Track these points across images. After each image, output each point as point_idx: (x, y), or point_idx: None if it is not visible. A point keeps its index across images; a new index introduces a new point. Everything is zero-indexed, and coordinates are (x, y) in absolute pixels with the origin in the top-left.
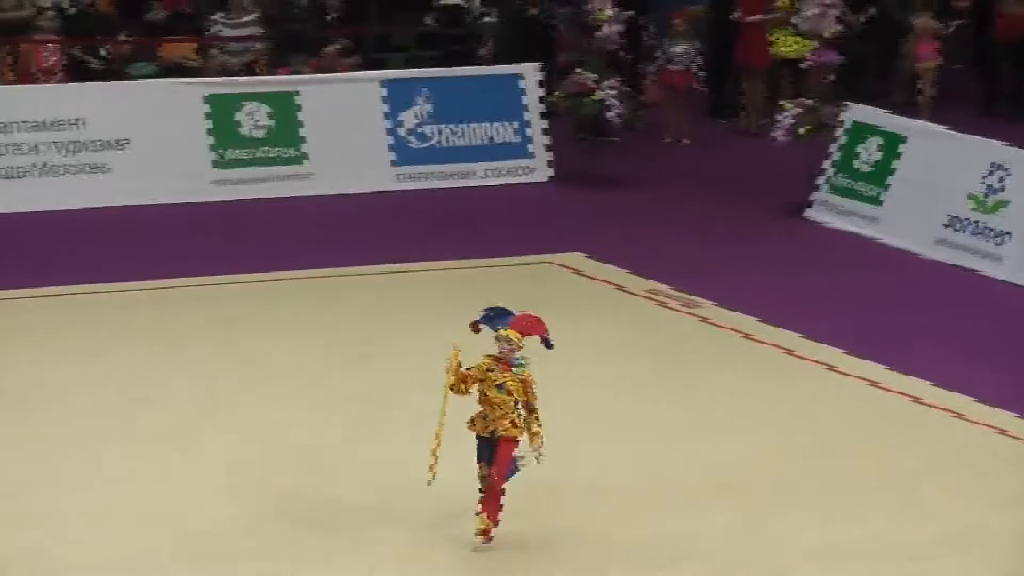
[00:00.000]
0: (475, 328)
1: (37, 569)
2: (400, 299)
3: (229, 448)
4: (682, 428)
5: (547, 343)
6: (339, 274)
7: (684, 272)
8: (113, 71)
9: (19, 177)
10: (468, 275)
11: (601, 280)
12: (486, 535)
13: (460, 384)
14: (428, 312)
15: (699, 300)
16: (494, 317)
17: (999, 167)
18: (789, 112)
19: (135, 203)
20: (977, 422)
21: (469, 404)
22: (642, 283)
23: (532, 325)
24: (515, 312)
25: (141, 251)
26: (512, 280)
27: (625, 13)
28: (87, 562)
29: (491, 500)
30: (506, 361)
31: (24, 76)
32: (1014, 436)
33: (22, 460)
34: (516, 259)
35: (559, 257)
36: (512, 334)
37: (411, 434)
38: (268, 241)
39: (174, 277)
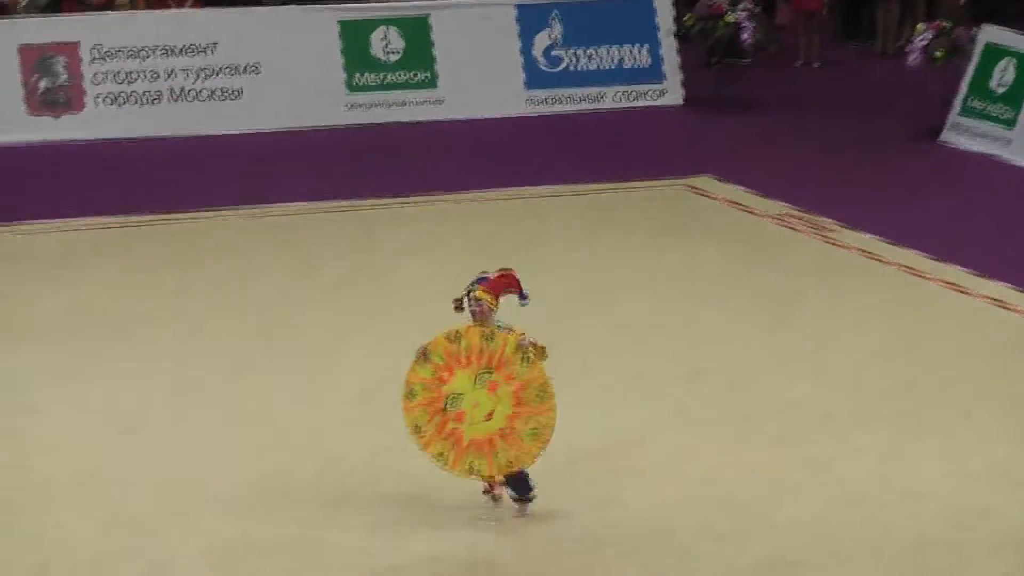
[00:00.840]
0: (458, 307)
1: (180, 493)
2: (533, 223)
3: (367, 372)
4: (816, 353)
5: (522, 297)
6: (472, 198)
7: (816, 195)
8: None
9: (152, 103)
10: (599, 198)
11: (732, 203)
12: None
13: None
14: (559, 236)
15: (831, 223)
16: (471, 287)
17: None
18: (923, 35)
19: (267, 128)
20: None
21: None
22: (773, 206)
23: (500, 282)
24: (489, 275)
25: (273, 176)
26: (643, 203)
27: None
28: (229, 482)
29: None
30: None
31: (157, 2)
32: None
33: (160, 390)
34: (647, 182)
35: (691, 180)
36: (481, 294)
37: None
38: (400, 165)
39: (308, 201)
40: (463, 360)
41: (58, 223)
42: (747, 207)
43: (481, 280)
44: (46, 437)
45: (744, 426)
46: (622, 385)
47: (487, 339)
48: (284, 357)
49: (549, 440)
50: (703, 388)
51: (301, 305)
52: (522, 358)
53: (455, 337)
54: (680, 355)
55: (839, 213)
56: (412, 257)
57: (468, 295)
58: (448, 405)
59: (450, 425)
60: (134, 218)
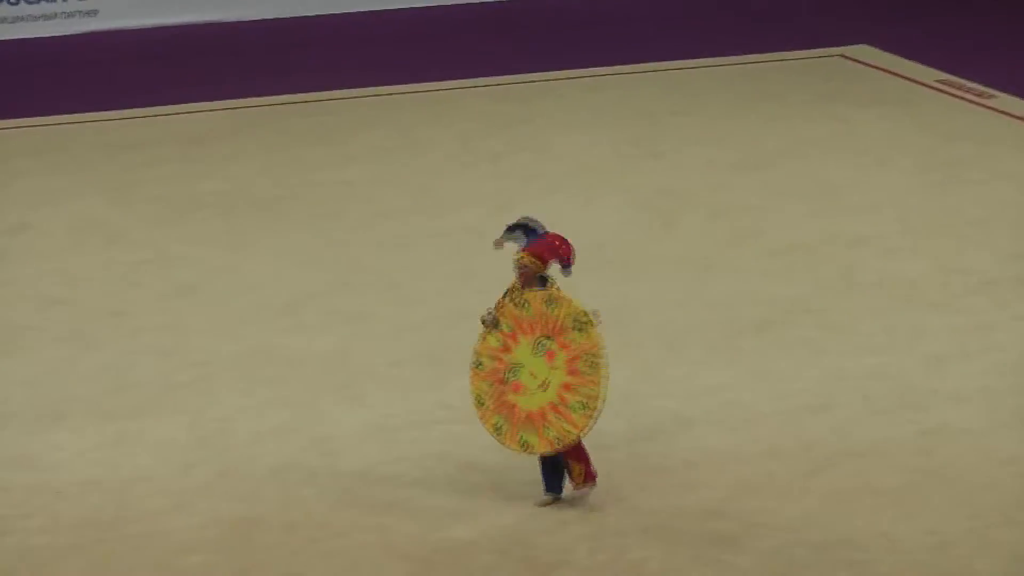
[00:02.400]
0: (499, 244)
1: (341, 370)
2: (685, 97)
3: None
4: (976, 219)
5: (565, 266)
6: (618, 72)
7: (973, 62)
8: None
9: None
10: (755, 69)
11: (890, 71)
12: (586, 480)
13: None
14: (716, 106)
15: (990, 90)
16: (516, 230)
17: None
18: None
19: (417, 4)
20: None
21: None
22: (931, 73)
23: (549, 247)
24: (543, 232)
25: (416, 51)
26: (800, 73)
27: None
28: (394, 357)
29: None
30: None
31: None
32: None
33: (319, 267)
34: (804, 53)
35: (847, 50)
36: (525, 258)
37: (704, 228)
38: (555, 39)
39: (461, 78)
40: (527, 327)
41: (196, 105)
42: (904, 75)
43: (531, 236)
44: (206, 316)
45: (907, 291)
46: (787, 252)
47: (549, 304)
48: (441, 236)
49: (597, 413)
50: (866, 254)
51: (462, 176)
52: (575, 324)
53: (522, 303)
54: (843, 221)
55: (997, 79)
56: (570, 129)
57: (517, 237)
58: (508, 376)
59: (508, 396)
60: (283, 97)
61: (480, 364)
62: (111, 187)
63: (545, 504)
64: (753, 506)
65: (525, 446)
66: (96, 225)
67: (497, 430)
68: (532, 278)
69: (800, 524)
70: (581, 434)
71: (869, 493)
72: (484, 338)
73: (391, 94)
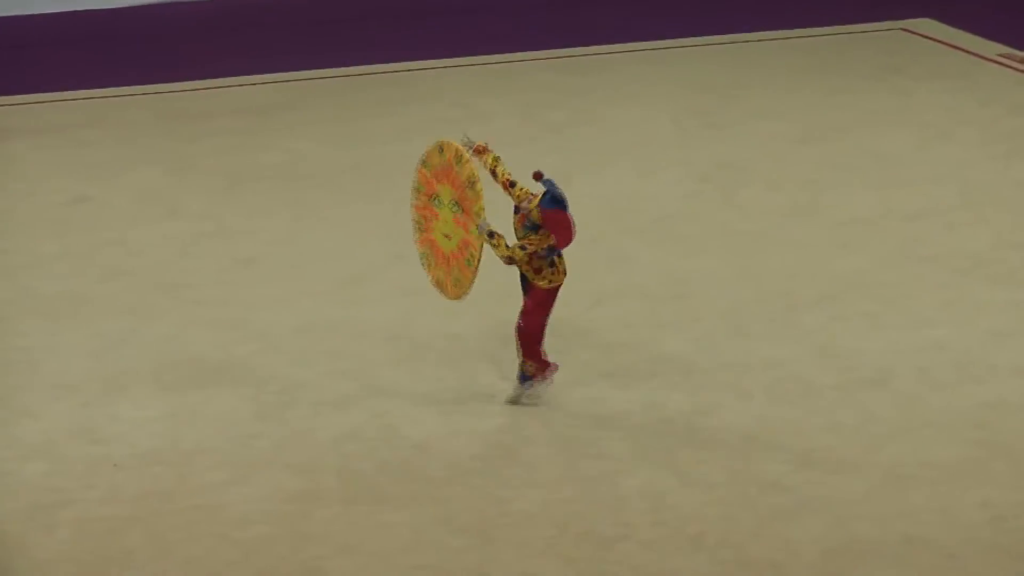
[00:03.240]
0: (537, 177)
1: (402, 345)
2: (746, 70)
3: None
4: None
5: (551, 251)
6: (678, 45)
7: None
8: None
9: None
10: (817, 42)
11: (952, 45)
12: (546, 372)
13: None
14: (777, 79)
15: None
16: (550, 196)
17: None
18: None
19: None
20: None
21: None
22: (993, 47)
23: (554, 222)
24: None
25: (477, 24)
26: (862, 46)
27: None
28: (453, 333)
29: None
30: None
31: None
32: None
33: (381, 240)
34: (866, 26)
35: (909, 23)
36: (535, 212)
37: (763, 199)
38: (609, 10)
39: (521, 51)
40: (447, 175)
41: (258, 77)
42: (966, 48)
43: (555, 204)
44: (265, 288)
45: (968, 265)
46: (847, 225)
47: (458, 161)
48: (502, 208)
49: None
50: (927, 227)
51: (523, 148)
52: (469, 184)
53: (440, 149)
54: (904, 194)
55: None
56: (630, 101)
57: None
58: (433, 204)
59: (432, 227)
60: (345, 70)
61: (419, 227)
62: (171, 159)
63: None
64: (812, 479)
65: (439, 283)
66: (156, 197)
67: (424, 257)
68: (527, 226)
69: (859, 498)
70: (457, 291)
71: (927, 467)
72: (414, 200)
73: (451, 66)
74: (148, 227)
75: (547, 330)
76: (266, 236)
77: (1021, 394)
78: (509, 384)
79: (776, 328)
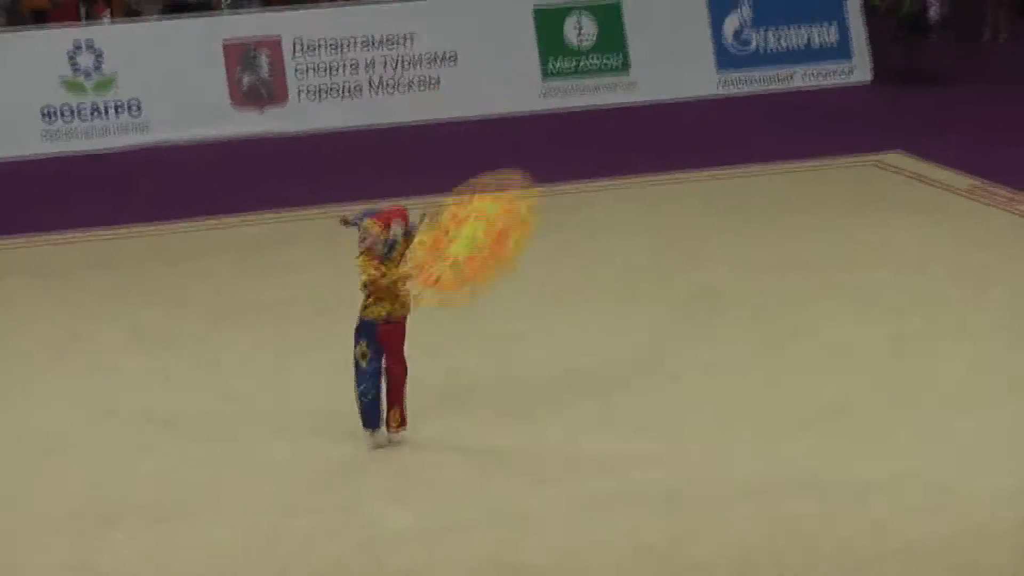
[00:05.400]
0: (345, 223)
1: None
2: (727, 201)
3: (579, 337)
4: (1011, 321)
5: (406, 233)
6: (666, 179)
7: (1005, 168)
8: None
9: (353, 95)
10: (791, 176)
11: (923, 178)
12: (400, 424)
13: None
14: (754, 213)
15: (1020, 195)
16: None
17: None
18: None
19: (465, 116)
20: None
21: None
22: (963, 180)
23: (389, 214)
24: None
25: (473, 162)
26: (835, 180)
27: None
28: None
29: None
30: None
31: None
32: None
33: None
34: (838, 160)
35: (881, 157)
36: (369, 223)
37: (748, 332)
38: (596, 148)
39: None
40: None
41: (269, 214)
42: (937, 182)
43: (368, 214)
44: (258, 422)
45: (943, 392)
46: (826, 354)
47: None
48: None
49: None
50: (904, 355)
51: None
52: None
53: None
54: (882, 321)
55: None
56: (610, 235)
57: (356, 224)
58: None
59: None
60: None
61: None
62: (163, 296)
63: (377, 445)
64: None
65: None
66: (148, 333)
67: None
68: (376, 243)
69: None
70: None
71: None
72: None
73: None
74: (140, 361)
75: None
76: (257, 371)
77: (998, 520)
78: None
79: (758, 456)
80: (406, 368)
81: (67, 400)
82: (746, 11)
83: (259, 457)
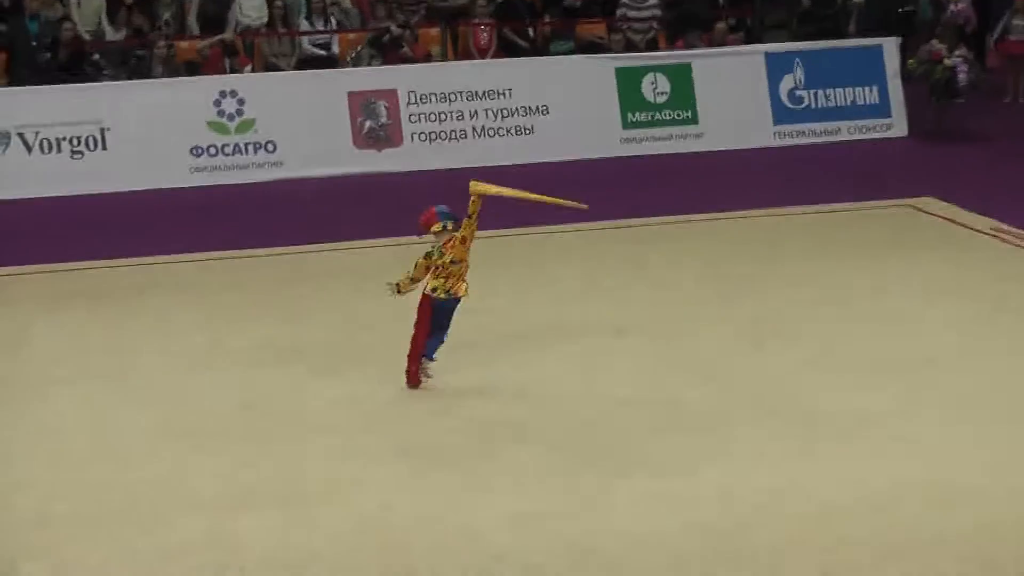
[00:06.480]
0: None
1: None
2: (775, 239)
3: (636, 363)
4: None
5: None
6: (725, 217)
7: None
8: (537, 48)
9: (459, 140)
10: (835, 217)
11: (949, 219)
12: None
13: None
14: (801, 245)
15: None
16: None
17: None
18: None
19: (554, 159)
20: None
21: None
22: (985, 222)
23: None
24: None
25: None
26: (873, 220)
27: None
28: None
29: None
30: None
31: (463, 53)
32: None
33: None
34: (877, 203)
35: (914, 201)
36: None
37: (786, 351)
38: (669, 190)
39: (590, 221)
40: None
41: (385, 240)
42: (962, 222)
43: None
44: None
45: (968, 403)
46: (863, 369)
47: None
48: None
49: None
50: (933, 371)
51: (584, 305)
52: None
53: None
54: (916, 341)
55: None
56: (677, 266)
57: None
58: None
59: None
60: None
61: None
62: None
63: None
64: None
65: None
66: (278, 342)
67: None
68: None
69: None
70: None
71: None
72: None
73: (507, 236)
74: (269, 367)
75: None
76: (370, 379)
77: (1016, 517)
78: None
79: (800, 457)
80: (416, 342)
81: (208, 396)
82: (799, 74)
83: (371, 449)
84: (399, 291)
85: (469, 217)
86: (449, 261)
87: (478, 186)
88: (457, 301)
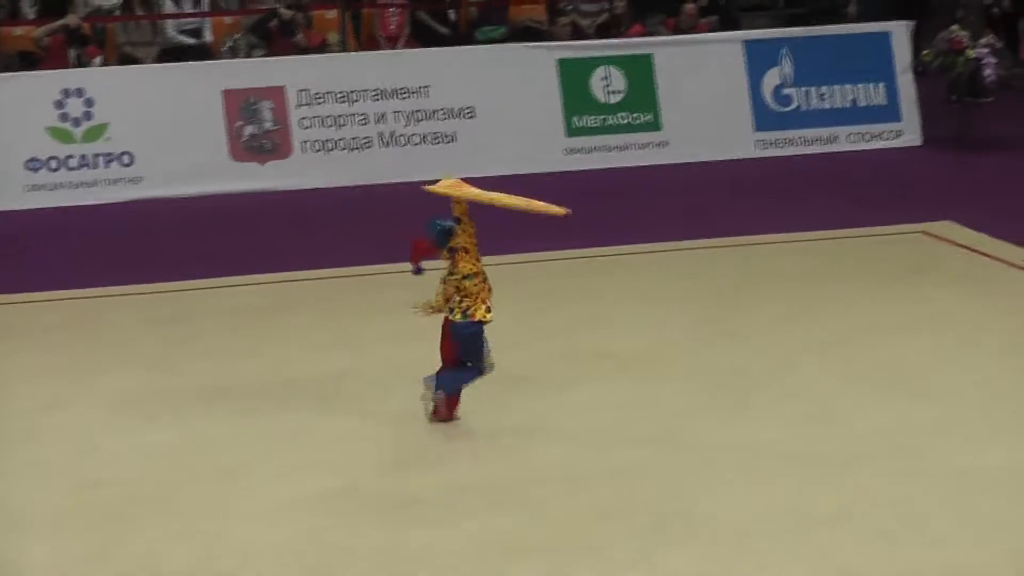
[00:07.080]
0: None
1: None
2: (761, 270)
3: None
4: None
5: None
6: (700, 246)
7: None
8: (460, 36)
9: (362, 149)
10: (834, 245)
11: (973, 249)
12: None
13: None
14: (790, 282)
15: None
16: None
17: None
18: None
19: (482, 174)
20: None
21: None
22: (1017, 252)
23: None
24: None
25: (501, 223)
26: (880, 250)
27: None
28: None
29: None
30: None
31: (368, 42)
32: None
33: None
34: (883, 228)
35: (929, 226)
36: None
37: (775, 410)
38: (623, 211)
39: (532, 252)
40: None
41: (264, 276)
42: (989, 253)
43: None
44: (248, 501)
45: (986, 481)
46: (863, 436)
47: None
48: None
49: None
50: (946, 440)
51: (532, 343)
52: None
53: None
54: (923, 403)
55: None
56: (633, 303)
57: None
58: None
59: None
60: (345, 270)
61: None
62: (150, 363)
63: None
64: None
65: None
66: (133, 403)
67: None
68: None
69: None
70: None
71: None
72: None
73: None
74: (124, 436)
75: None
76: (250, 446)
77: None
78: None
79: (787, 548)
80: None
81: (46, 472)
82: (787, 67)
83: (253, 538)
84: (429, 311)
85: (459, 223)
86: (461, 277)
87: (436, 188)
88: (476, 325)
